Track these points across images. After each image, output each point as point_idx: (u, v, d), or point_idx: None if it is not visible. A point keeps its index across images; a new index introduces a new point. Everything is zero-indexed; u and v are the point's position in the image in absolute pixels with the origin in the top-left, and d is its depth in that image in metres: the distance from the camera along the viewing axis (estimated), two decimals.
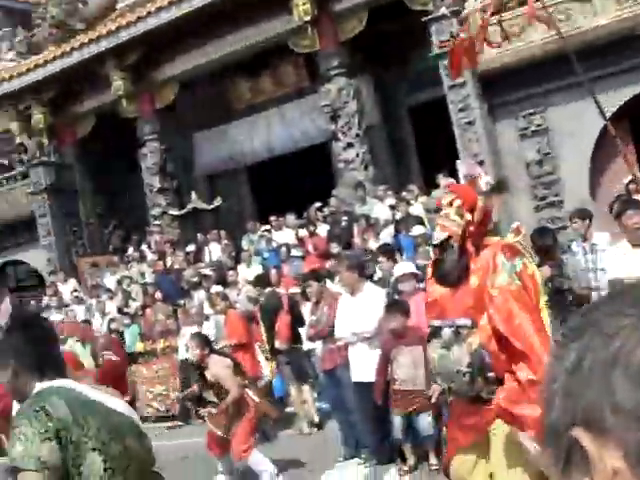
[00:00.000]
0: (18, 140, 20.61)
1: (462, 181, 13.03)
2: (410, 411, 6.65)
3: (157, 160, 17.46)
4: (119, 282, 14.72)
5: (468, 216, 3.64)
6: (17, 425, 2.30)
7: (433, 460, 6.64)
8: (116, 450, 2.39)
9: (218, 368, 6.97)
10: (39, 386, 2.46)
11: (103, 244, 19.84)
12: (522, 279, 3.41)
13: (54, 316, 14.22)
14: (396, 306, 6.84)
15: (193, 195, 16.33)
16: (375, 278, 9.05)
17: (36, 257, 19.64)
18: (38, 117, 18.94)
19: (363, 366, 6.93)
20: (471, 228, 3.65)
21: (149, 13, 16.02)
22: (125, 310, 13.87)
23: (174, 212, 16.75)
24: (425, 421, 6.60)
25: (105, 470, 2.33)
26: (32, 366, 2.50)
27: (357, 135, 14.98)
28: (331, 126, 15.22)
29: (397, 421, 6.73)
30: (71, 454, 2.28)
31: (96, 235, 19.72)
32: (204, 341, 7.42)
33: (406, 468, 6.78)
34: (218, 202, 16.32)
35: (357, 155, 15.02)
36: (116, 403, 2.58)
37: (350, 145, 15.06)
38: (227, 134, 18.20)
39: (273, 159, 17.20)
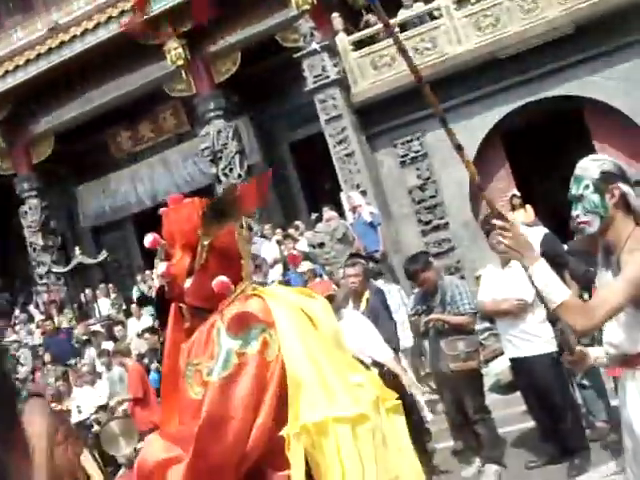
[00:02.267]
0: None
1: (347, 212, 13.38)
2: None
3: (38, 217, 16.90)
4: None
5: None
6: None
7: None
8: None
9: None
10: None
11: None
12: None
13: None
14: None
15: (77, 250, 15.87)
16: None
17: None
18: None
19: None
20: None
21: (17, 67, 15.64)
22: (14, 376, 13.27)
23: (59, 269, 16.20)
24: None
25: None
26: None
27: (240, 176, 14.89)
28: (212, 169, 15.17)
29: None
30: None
31: None
32: None
33: None
34: (103, 255, 15.90)
35: None
36: None
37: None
38: (110, 184, 17.83)
39: (158, 206, 16.86)
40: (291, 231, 13.24)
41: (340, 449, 1.95)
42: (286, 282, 10.48)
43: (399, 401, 2.35)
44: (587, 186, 2.66)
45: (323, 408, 2.01)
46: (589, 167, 2.74)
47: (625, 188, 2.68)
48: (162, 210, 2.47)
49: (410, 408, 6.06)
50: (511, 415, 7.52)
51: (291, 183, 16.34)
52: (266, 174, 2.88)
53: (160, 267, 2.33)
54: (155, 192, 17.13)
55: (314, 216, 13.70)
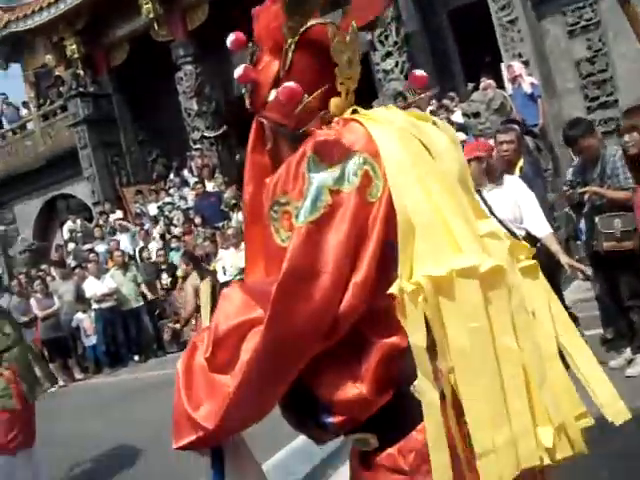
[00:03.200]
0: (56, 73, 20.51)
1: (506, 83, 12.62)
2: None
3: (193, 83, 17.12)
4: (160, 209, 14.64)
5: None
6: None
7: None
8: None
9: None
10: None
11: (147, 172, 19.78)
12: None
13: (98, 247, 14.27)
14: None
15: None
16: None
17: (82, 189, 19.73)
18: (72, 48, 18.67)
19: None
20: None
21: None
22: (167, 236, 13.82)
23: (210, 134, 16.48)
24: None
25: None
26: None
27: (395, 43, 14.34)
28: (368, 35, 14.59)
29: None
30: None
31: (139, 163, 19.64)
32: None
33: None
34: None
35: (396, 64, 14.43)
36: None
37: (389, 54, 14.47)
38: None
39: None
40: (446, 102, 12.64)
41: (466, 311, 1.51)
42: None
43: (534, 261, 1.78)
44: None
45: (444, 259, 1.52)
46: None
47: None
48: (254, 10, 1.87)
49: (558, 289, 5.70)
50: None
51: (448, 54, 15.53)
52: None
53: (238, 69, 1.83)
54: None
55: (470, 86, 12.98)
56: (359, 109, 1.78)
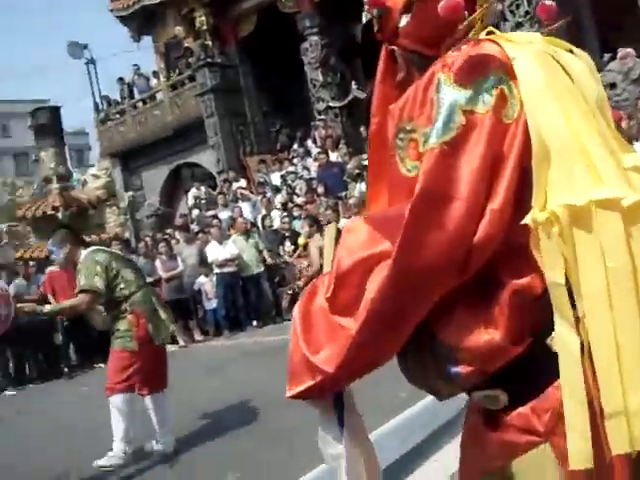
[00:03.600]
0: (185, 45, 20.98)
1: None
2: None
3: (318, 54, 17.11)
4: (283, 178, 14.72)
5: None
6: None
7: None
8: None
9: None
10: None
11: (270, 142, 19.99)
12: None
13: (222, 214, 14.51)
14: None
15: (353, 85, 15.87)
16: None
17: (207, 158, 20.16)
18: (201, 19, 19.07)
19: None
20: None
21: None
22: (290, 205, 13.89)
23: (335, 104, 16.43)
24: None
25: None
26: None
27: (527, 13, 13.78)
28: (498, 5, 14.09)
29: None
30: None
31: (263, 133, 19.87)
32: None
33: None
34: None
35: None
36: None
37: (519, 25, 13.94)
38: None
39: None
40: None
41: (605, 248, 1.34)
42: None
43: None
44: None
45: (582, 188, 1.36)
46: None
47: None
48: None
49: None
50: None
51: (582, 23, 14.82)
52: None
53: None
54: None
55: (607, 57, 12.33)
56: (495, 30, 1.59)
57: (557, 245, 1.35)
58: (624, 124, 6.68)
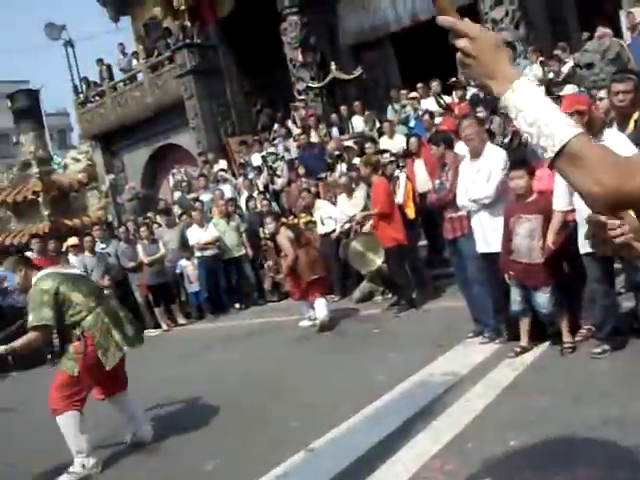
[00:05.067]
0: (164, 25, 20.78)
1: (625, 32, 11.91)
2: (526, 285, 6.02)
3: (297, 34, 17.01)
4: (264, 159, 14.67)
5: None
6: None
7: (567, 338, 5.95)
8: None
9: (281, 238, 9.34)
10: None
11: (251, 123, 19.90)
12: None
13: (203, 196, 14.47)
14: (520, 165, 6.07)
15: (333, 65, 15.78)
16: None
17: (187, 139, 20.06)
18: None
19: (486, 236, 6.37)
20: None
21: None
22: (271, 187, 13.86)
23: (314, 85, 16.36)
24: (543, 297, 5.92)
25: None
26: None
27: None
28: None
29: (513, 293, 6.12)
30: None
31: (244, 114, 19.77)
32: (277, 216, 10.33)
33: (517, 349, 6.12)
34: (358, 72, 15.69)
35: (506, 14, 13.87)
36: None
37: (499, 3, 13.91)
38: (371, 2, 17.35)
39: (417, 25, 16.26)
40: (557, 52, 12.04)
41: None
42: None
43: None
44: None
45: None
46: None
47: None
48: None
49: None
50: None
51: (563, 1, 14.80)
52: None
53: None
54: (415, 10, 16.43)
55: (585, 36, 12.32)
56: None
57: None
58: (599, 106, 6.70)
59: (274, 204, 12.99)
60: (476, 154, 6.46)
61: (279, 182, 13.91)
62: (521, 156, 6.76)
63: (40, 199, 16.59)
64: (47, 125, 19.85)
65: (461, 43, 1.46)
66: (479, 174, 6.37)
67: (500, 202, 6.25)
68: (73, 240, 12.52)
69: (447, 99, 13.23)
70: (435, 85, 13.57)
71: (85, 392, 5.51)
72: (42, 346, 5.73)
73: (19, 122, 17.76)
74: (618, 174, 1.33)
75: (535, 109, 1.41)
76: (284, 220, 10.96)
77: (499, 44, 1.47)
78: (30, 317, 5.35)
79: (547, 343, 6.27)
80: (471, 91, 12.58)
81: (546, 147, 1.39)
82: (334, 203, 10.98)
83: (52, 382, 5.50)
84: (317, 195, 11.87)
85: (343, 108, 14.91)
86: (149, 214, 15.47)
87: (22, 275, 5.60)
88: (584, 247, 5.53)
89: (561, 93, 9.97)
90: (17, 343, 5.51)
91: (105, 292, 8.85)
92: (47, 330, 5.42)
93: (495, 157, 6.38)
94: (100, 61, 23.05)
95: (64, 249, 12.70)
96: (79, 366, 5.32)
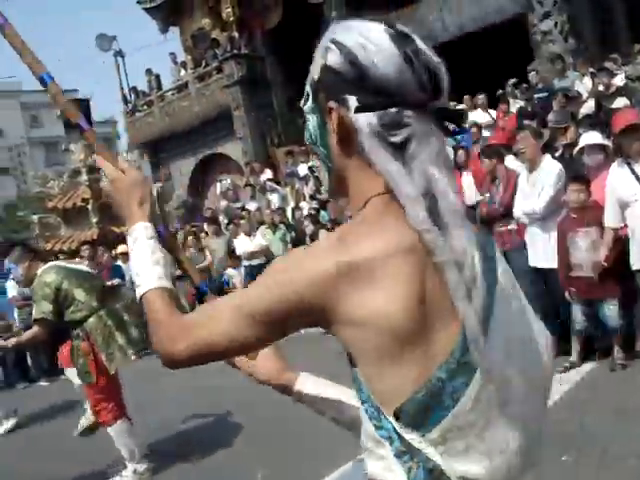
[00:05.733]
0: (212, 36, 21.05)
1: None
2: (592, 298, 5.90)
3: None
4: (311, 169, 14.75)
5: None
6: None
7: (618, 354, 5.90)
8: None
9: None
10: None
11: (298, 133, 19.97)
12: None
13: (249, 205, 14.61)
14: (580, 178, 6.02)
15: None
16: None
17: (234, 149, 20.26)
18: (227, 11, 19.13)
19: (540, 250, 6.33)
20: None
21: None
22: (317, 196, 13.95)
23: None
24: (612, 310, 5.81)
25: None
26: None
27: (555, 3, 13.68)
28: None
29: (575, 311, 6.05)
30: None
31: (290, 124, 19.90)
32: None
33: (567, 364, 6.08)
34: None
35: (555, 25, 13.80)
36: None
37: (547, 15, 13.84)
38: (416, 13, 17.38)
39: (464, 36, 16.26)
40: (607, 64, 11.92)
41: None
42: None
43: None
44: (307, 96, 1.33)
45: None
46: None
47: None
48: None
49: None
50: None
51: (613, 12, 14.66)
52: None
53: None
54: (462, 21, 16.42)
55: (637, 48, 12.19)
56: None
57: None
58: None
59: (322, 213, 13.06)
60: (532, 167, 6.44)
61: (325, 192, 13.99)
62: (580, 168, 6.70)
63: (89, 206, 16.93)
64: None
65: (104, 183, 1.67)
66: (534, 187, 6.34)
67: (553, 217, 6.21)
68: (123, 247, 12.73)
69: (492, 112, 13.17)
70: (482, 98, 13.52)
71: (119, 395, 5.57)
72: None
73: (69, 130, 18.12)
74: (184, 335, 1.32)
75: (135, 254, 1.53)
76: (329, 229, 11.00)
77: (137, 184, 1.60)
78: (33, 310, 5.40)
79: (595, 360, 6.22)
80: (518, 103, 12.53)
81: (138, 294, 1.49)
82: None
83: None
84: None
85: None
86: (196, 223, 15.67)
87: (25, 267, 5.53)
88: (637, 263, 5.48)
89: (612, 106, 9.89)
90: (23, 337, 5.58)
91: (113, 292, 8.76)
92: (47, 324, 5.31)
93: (550, 171, 6.34)
94: (149, 71, 23.43)
95: (114, 256, 12.93)
96: (93, 372, 5.31)
